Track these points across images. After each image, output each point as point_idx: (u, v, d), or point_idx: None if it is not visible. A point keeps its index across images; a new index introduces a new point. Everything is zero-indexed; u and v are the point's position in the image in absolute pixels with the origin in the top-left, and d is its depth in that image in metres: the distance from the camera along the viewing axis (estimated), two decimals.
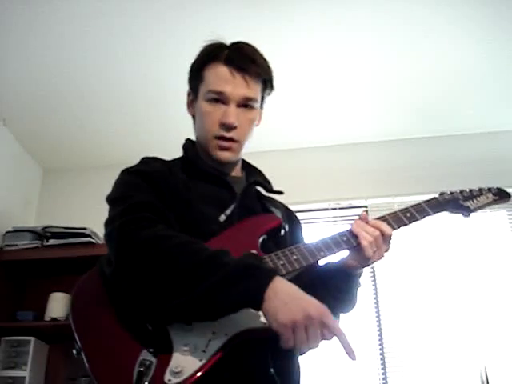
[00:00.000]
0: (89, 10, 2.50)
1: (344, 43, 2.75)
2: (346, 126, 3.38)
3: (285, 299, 0.91)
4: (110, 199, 1.16)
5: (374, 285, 3.16)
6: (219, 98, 1.21)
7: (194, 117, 1.32)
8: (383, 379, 2.95)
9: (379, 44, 2.76)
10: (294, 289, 0.95)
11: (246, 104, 1.23)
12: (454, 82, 3.01)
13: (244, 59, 1.22)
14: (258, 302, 0.92)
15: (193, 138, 1.36)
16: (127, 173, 1.20)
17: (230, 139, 1.22)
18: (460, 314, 2.99)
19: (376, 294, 3.13)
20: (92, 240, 2.97)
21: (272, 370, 1.03)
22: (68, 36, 2.66)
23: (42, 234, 3.07)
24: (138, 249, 0.99)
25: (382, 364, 2.98)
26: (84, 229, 2.99)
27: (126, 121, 3.27)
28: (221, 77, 1.21)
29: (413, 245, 3.18)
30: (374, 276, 3.19)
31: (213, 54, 1.25)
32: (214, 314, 0.95)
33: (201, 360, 0.94)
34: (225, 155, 1.24)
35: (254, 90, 1.24)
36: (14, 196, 3.39)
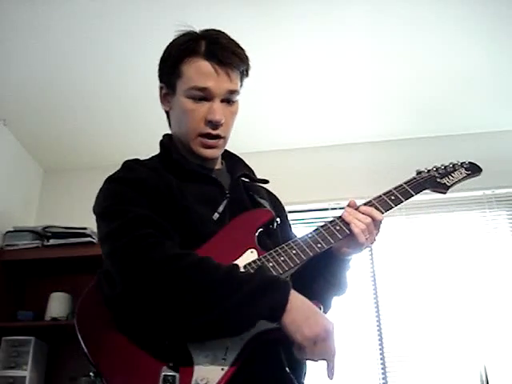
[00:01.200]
0: (89, 11, 2.51)
1: (344, 43, 2.75)
2: (346, 126, 3.38)
3: (305, 313, 0.96)
4: (100, 212, 1.11)
5: (374, 284, 3.16)
6: (203, 95, 1.18)
7: (167, 112, 1.30)
8: (383, 379, 2.96)
9: (379, 44, 2.76)
10: (308, 302, 0.99)
11: (228, 98, 1.21)
12: (454, 82, 3.01)
13: (225, 52, 1.19)
14: (279, 315, 0.95)
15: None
16: (113, 181, 1.15)
17: (217, 136, 1.20)
18: (460, 314, 2.99)
19: (376, 293, 3.13)
20: (92, 240, 2.97)
21: (287, 368, 1.05)
22: (68, 37, 2.66)
23: (42, 234, 3.07)
24: (151, 271, 0.96)
25: (381, 364, 2.98)
26: (84, 229, 2.99)
27: (126, 121, 3.28)
28: (203, 72, 1.18)
29: (413, 244, 3.19)
30: (373, 276, 3.19)
31: (190, 47, 1.20)
32: (238, 328, 0.96)
33: (223, 369, 0.95)
34: (209, 152, 1.23)
35: (235, 82, 1.22)
36: (14, 196, 3.40)
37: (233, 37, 1.28)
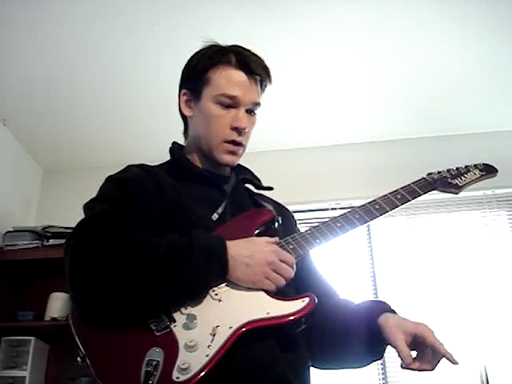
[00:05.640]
0: (89, 11, 2.51)
1: (344, 43, 2.75)
2: (346, 125, 3.38)
3: (244, 262, 1.02)
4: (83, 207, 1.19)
5: (374, 284, 3.16)
6: (231, 102, 1.21)
7: (185, 118, 1.31)
8: (383, 379, 2.96)
9: (379, 44, 2.76)
10: (242, 245, 1.04)
11: (252, 109, 1.25)
12: (454, 81, 3.01)
13: (256, 64, 1.24)
14: (224, 275, 1.02)
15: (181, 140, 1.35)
16: (107, 181, 1.20)
17: (240, 143, 1.23)
18: (460, 314, 2.99)
19: (376, 293, 3.13)
20: None
21: (282, 362, 1.02)
22: (68, 36, 2.66)
23: (42, 234, 3.07)
24: (96, 257, 1.01)
25: (381, 364, 2.98)
26: None
27: (126, 121, 3.28)
28: (234, 81, 1.22)
29: (413, 244, 3.19)
30: (373, 276, 3.19)
31: (219, 57, 1.24)
32: (191, 297, 1.01)
33: (207, 355, 0.93)
34: (231, 159, 1.25)
35: (260, 95, 1.27)
36: (14, 196, 3.39)
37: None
